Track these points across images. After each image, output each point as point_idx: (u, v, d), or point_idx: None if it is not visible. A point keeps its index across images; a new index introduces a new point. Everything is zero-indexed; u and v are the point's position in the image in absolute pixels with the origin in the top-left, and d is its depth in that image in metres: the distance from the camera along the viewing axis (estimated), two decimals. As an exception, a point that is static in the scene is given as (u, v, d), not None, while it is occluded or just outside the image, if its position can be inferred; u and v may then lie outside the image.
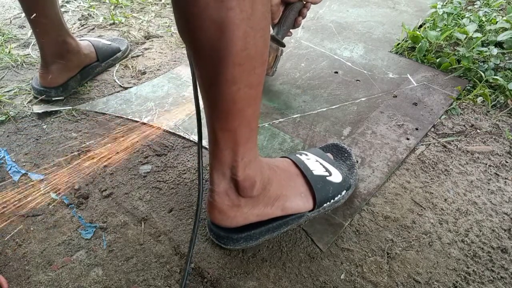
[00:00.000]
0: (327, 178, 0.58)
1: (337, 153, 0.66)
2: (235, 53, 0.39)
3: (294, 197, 0.56)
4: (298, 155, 0.61)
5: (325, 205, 0.58)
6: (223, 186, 0.51)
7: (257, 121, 0.48)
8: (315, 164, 0.59)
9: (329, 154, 0.65)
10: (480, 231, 0.57)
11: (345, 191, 0.60)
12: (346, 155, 0.66)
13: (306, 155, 0.61)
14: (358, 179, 0.65)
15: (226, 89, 0.42)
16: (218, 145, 0.48)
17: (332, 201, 0.59)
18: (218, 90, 0.42)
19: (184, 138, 0.75)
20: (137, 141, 0.75)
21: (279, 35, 0.77)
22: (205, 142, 0.73)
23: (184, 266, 0.52)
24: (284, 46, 0.79)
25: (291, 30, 0.80)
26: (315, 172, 0.58)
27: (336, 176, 0.59)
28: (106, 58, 0.97)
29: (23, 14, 1.25)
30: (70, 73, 0.88)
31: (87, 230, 0.60)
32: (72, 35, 0.87)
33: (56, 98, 0.87)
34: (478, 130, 0.74)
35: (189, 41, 0.41)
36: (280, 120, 0.78)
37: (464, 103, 0.80)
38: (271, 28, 0.77)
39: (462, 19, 1.00)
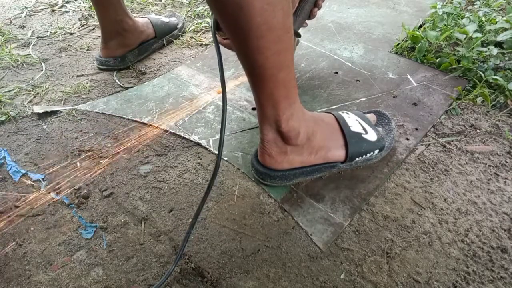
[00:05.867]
0: (362, 135, 0.64)
1: (379, 118, 0.72)
2: (255, 27, 0.43)
3: (335, 149, 0.63)
4: (340, 112, 0.67)
5: (357, 159, 0.64)
6: (271, 135, 0.58)
7: (293, 80, 0.54)
8: (354, 122, 0.65)
9: (371, 115, 0.70)
10: (480, 231, 0.57)
11: (378, 150, 0.65)
12: (386, 120, 0.71)
13: (348, 113, 0.67)
14: (394, 143, 0.70)
15: (254, 57, 0.48)
16: (260, 104, 0.55)
17: (364, 156, 0.64)
18: (248, 58, 0.49)
19: (184, 138, 0.75)
20: (137, 141, 0.75)
21: (295, 25, 0.77)
22: (205, 142, 0.74)
23: (192, 220, 0.52)
24: (300, 36, 0.80)
25: (306, 21, 0.80)
26: (352, 129, 0.64)
27: (371, 135, 0.65)
28: (164, 35, 1.05)
29: (23, 14, 1.25)
30: (128, 47, 0.97)
31: (87, 230, 0.60)
32: (129, 14, 0.95)
33: (115, 68, 0.97)
34: (478, 130, 0.74)
35: (219, 19, 0.46)
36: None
37: (464, 103, 0.80)
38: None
39: (462, 19, 1.00)
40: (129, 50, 0.97)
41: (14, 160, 0.73)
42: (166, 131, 0.77)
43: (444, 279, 0.52)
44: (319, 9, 0.78)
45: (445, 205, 0.61)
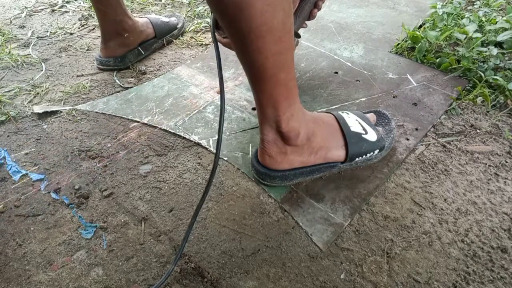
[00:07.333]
0: (362, 135, 0.64)
1: (378, 118, 0.72)
2: (255, 28, 0.43)
3: (335, 149, 0.63)
4: (340, 113, 0.67)
5: (357, 159, 0.64)
6: (271, 136, 0.58)
7: (293, 81, 0.53)
8: (354, 122, 0.65)
9: (371, 115, 0.70)
10: (480, 231, 0.57)
11: (378, 150, 0.65)
12: (386, 120, 0.71)
13: (347, 113, 0.67)
14: (394, 143, 0.70)
15: (255, 58, 0.47)
16: (261, 104, 0.55)
17: (364, 157, 0.64)
18: (249, 59, 0.49)
19: (184, 138, 0.75)
20: (137, 141, 0.75)
21: (295, 26, 0.77)
22: (204, 142, 0.74)
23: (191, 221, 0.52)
24: (299, 37, 0.80)
25: (306, 22, 0.80)
26: (352, 129, 0.64)
27: (371, 135, 0.64)
28: (164, 35, 1.05)
29: (23, 14, 1.25)
30: (128, 47, 0.97)
31: (87, 230, 0.60)
32: (129, 14, 0.95)
33: (115, 68, 0.96)
34: (478, 130, 0.74)
35: (219, 19, 0.46)
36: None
37: (464, 103, 0.80)
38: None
39: (462, 19, 1.00)
40: (129, 50, 0.97)
41: (14, 160, 0.73)
42: (166, 131, 0.77)
43: (444, 279, 0.52)
44: (319, 10, 0.79)
45: (445, 205, 0.61)
